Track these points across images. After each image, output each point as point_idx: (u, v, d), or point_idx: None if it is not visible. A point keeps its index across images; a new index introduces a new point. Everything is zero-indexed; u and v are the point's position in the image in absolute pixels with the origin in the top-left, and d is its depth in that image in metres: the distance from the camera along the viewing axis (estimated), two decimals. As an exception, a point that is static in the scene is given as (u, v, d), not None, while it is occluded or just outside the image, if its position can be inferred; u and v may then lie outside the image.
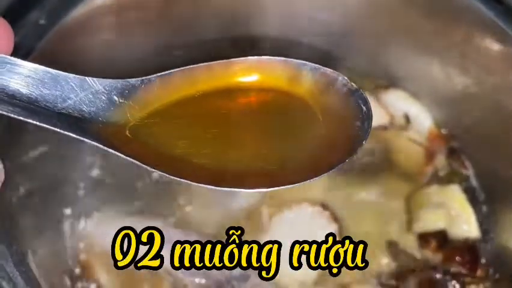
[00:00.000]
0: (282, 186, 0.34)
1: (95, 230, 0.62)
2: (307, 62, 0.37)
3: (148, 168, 0.33)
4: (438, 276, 0.60)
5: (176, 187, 0.64)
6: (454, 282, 0.60)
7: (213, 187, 0.33)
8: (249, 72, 0.38)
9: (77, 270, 0.61)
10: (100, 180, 0.65)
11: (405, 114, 0.69)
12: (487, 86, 0.61)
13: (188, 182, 0.33)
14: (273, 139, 0.37)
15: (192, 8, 0.62)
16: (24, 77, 0.33)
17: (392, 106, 0.70)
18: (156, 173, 0.62)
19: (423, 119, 0.69)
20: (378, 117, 0.68)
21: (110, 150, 0.33)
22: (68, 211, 0.63)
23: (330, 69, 0.37)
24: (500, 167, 0.63)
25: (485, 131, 0.64)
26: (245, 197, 0.63)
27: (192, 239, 0.59)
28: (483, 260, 0.62)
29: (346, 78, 0.37)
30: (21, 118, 0.31)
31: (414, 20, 0.62)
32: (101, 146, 0.33)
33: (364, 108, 0.36)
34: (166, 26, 0.63)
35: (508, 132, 0.60)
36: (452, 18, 0.59)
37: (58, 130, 0.32)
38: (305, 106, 0.38)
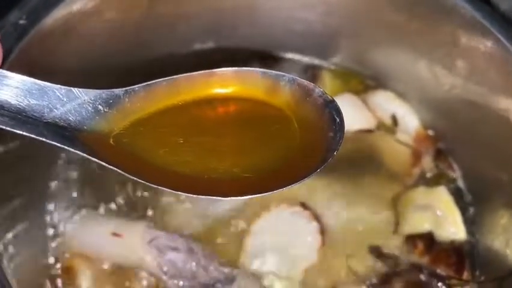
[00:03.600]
0: (259, 193, 0.36)
1: (78, 232, 0.62)
2: (285, 74, 0.40)
3: (131, 177, 0.35)
4: (424, 278, 0.61)
5: (158, 190, 0.64)
6: (440, 284, 0.60)
7: (192, 195, 0.35)
8: (228, 83, 0.40)
9: (59, 274, 0.61)
10: (82, 180, 0.66)
11: (393, 116, 0.70)
12: (474, 87, 0.62)
13: (169, 190, 0.35)
14: (251, 148, 0.39)
15: (173, 17, 0.63)
16: (13, 88, 0.34)
17: (379, 107, 0.71)
18: None
19: (410, 120, 0.70)
20: (365, 120, 0.69)
21: (95, 159, 0.35)
22: (49, 212, 0.64)
23: (306, 81, 0.39)
24: (488, 169, 0.64)
25: (472, 132, 0.65)
26: (227, 199, 0.62)
27: (174, 239, 0.60)
28: (469, 262, 0.63)
29: (322, 89, 0.39)
30: (8, 128, 0.33)
31: (400, 20, 0.64)
32: (85, 155, 0.35)
33: (337, 119, 0.38)
34: (147, 33, 0.64)
35: (495, 133, 0.61)
36: (438, 18, 0.61)
37: (45, 140, 0.34)
38: (282, 116, 0.40)
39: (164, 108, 0.39)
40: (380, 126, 0.70)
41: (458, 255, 0.62)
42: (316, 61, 0.72)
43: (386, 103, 0.70)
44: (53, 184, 0.65)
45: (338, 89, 0.71)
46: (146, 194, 0.64)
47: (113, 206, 0.64)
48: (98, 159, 0.35)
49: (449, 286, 0.60)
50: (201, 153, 0.38)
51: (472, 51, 0.59)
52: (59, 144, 0.34)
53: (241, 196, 0.36)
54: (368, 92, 0.72)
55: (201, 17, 0.65)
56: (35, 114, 0.35)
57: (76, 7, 0.55)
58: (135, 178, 0.35)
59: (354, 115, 0.68)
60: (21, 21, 0.52)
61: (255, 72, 0.40)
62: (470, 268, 0.62)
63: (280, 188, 0.36)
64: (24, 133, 0.33)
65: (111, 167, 0.35)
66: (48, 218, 0.63)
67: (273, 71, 0.40)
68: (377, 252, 0.62)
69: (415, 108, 0.70)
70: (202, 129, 0.39)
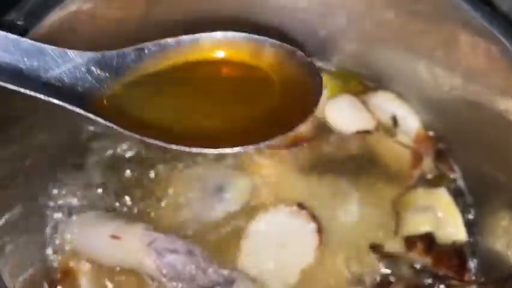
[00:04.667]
0: (245, 146, 0.39)
1: (76, 234, 0.62)
2: (268, 38, 0.43)
3: (123, 131, 0.37)
4: (425, 280, 0.60)
5: (158, 191, 0.65)
6: (442, 286, 0.60)
7: (183, 148, 0.38)
8: (215, 46, 0.43)
9: (57, 276, 0.61)
10: (81, 183, 0.66)
11: (393, 116, 0.70)
12: (474, 88, 0.62)
13: (159, 143, 0.38)
14: (237, 105, 0.42)
15: (171, 18, 0.62)
16: (11, 48, 0.36)
17: (379, 108, 0.71)
18: (137, 177, 0.65)
19: (411, 121, 0.71)
20: (365, 122, 0.69)
21: (90, 115, 0.37)
22: (48, 214, 0.64)
23: (288, 45, 0.42)
24: (488, 170, 0.64)
25: (472, 133, 0.65)
26: (226, 201, 0.64)
27: (173, 241, 0.60)
28: (470, 264, 0.63)
29: (302, 53, 0.42)
30: (9, 85, 0.35)
31: (400, 21, 0.64)
32: (80, 110, 0.37)
33: (317, 79, 0.41)
34: (145, 33, 0.62)
35: (495, 134, 0.61)
36: (438, 19, 0.61)
37: (42, 96, 0.36)
38: (266, 76, 0.43)
39: (154, 71, 0.41)
40: (380, 127, 0.69)
41: (460, 257, 0.62)
42: (316, 62, 0.71)
43: (386, 104, 0.70)
44: (52, 187, 0.65)
45: (337, 90, 0.71)
46: (145, 196, 0.64)
47: (111, 208, 0.64)
48: (94, 115, 0.37)
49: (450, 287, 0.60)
50: (191, 111, 0.40)
51: (472, 51, 0.59)
52: (55, 101, 0.36)
53: (229, 148, 0.38)
54: (367, 92, 0.72)
55: (199, 18, 0.65)
56: (32, 73, 0.37)
57: (73, 8, 0.55)
58: (126, 132, 0.37)
59: (354, 116, 0.68)
60: (19, 22, 0.52)
61: (240, 36, 0.42)
62: (471, 270, 0.62)
63: (266, 141, 0.38)
64: (22, 90, 0.35)
65: (104, 122, 0.37)
66: (47, 220, 0.63)
67: (257, 36, 0.42)
68: (377, 250, 0.62)
69: (415, 109, 0.70)
70: (192, 90, 0.42)
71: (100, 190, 0.65)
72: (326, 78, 0.72)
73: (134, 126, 0.38)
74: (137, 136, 0.37)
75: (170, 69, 0.42)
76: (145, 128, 0.38)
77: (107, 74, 0.40)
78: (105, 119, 0.37)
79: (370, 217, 0.64)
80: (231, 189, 0.64)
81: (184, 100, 0.41)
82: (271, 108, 0.41)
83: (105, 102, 0.39)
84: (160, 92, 0.41)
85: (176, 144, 0.38)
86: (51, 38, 0.54)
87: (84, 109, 0.37)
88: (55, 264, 0.61)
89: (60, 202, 0.64)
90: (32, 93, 0.35)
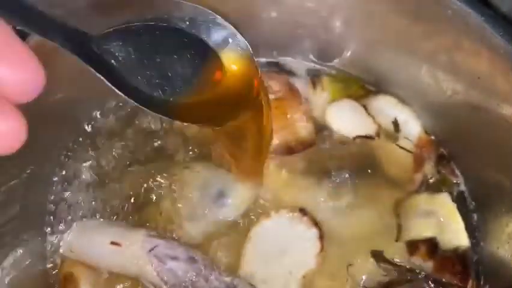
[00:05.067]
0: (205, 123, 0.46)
1: (77, 241, 0.62)
2: (232, 32, 0.47)
3: (106, 82, 0.40)
4: (427, 287, 0.59)
5: (158, 197, 0.64)
6: (444, 293, 0.59)
7: (142, 108, 0.42)
8: (185, 14, 0.46)
9: (58, 283, 0.61)
10: (81, 189, 0.66)
11: (395, 121, 0.69)
12: (476, 92, 0.61)
13: (130, 100, 0.41)
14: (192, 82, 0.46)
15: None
16: None
17: (381, 112, 0.70)
18: (137, 183, 0.65)
19: (413, 126, 0.70)
20: (366, 127, 0.69)
21: (80, 60, 0.39)
22: (49, 221, 0.64)
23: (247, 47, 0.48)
24: (491, 175, 0.64)
25: (475, 137, 0.65)
26: (227, 206, 0.64)
27: (174, 247, 0.59)
28: (473, 270, 0.63)
29: (250, 51, 0.48)
30: (13, 21, 0.35)
31: (403, 25, 0.63)
32: (70, 50, 0.38)
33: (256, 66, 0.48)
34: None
35: (498, 139, 0.61)
36: (440, 23, 0.60)
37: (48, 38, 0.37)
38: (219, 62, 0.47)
39: (139, 24, 0.44)
40: (381, 131, 0.69)
41: (463, 264, 0.62)
42: (317, 66, 0.72)
43: (388, 108, 0.70)
44: (52, 194, 0.64)
45: (338, 94, 0.70)
46: (145, 202, 0.64)
47: (112, 214, 0.64)
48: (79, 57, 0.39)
49: (453, 294, 0.60)
50: (156, 74, 0.44)
51: (475, 55, 0.58)
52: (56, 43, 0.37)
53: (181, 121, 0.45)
54: (369, 97, 0.71)
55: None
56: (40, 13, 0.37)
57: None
58: (108, 83, 0.40)
59: (355, 121, 0.68)
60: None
61: (205, 11, 0.46)
62: (475, 276, 0.62)
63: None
64: (27, 28, 0.36)
65: (91, 68, 0.39)
66: (47, 227, 0.63)
67: (227, 26, 0.46)
68: (379, 256, 0.61)
69: (417, 113, 0.70)
70: (158, 52, 0.45)
71: (100, 197, 0.64)
72: (327, 82, 0.72)
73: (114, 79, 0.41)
74: (111, 86, 0.40)
75: (151, 27, 0.44)
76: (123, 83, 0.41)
77: (97, 16, 0.44)
78: (92, 67, 0.39)
79: (372, 222, 0.64)
80: (232, 194, 0.64)
81: (151, 62, 0.44)
82: (216, 95, 0.46)
83: (96, 50, 0.41)
84: (140, 48, 0.44)
85: (140, 104, 0.41)
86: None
87: (77, 53, 0.39)
88: (55, 272, 0.61)
89: (60, 209, 0.64)
90: (37, 33, 0.37)
